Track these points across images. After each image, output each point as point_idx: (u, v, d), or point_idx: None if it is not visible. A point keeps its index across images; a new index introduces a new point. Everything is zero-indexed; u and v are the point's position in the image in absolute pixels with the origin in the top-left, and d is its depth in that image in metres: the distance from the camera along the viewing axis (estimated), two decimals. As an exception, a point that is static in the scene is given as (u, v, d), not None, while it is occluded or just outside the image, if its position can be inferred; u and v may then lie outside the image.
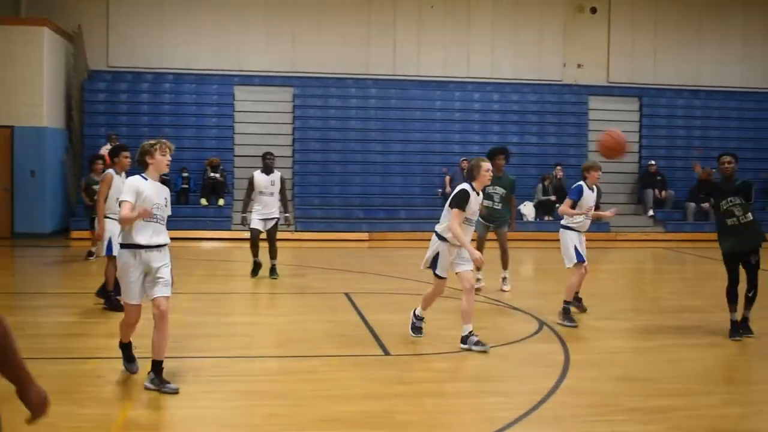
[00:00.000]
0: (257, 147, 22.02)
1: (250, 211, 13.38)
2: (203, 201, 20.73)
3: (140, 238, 6.67)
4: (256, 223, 13.19)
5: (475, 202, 8.31)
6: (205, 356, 8.04)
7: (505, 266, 12.50)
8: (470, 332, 8.31)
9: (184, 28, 22.81)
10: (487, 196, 12.10)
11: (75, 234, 19.13)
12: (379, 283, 13.30)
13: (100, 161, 14.84)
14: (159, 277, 6.70)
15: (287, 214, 13.57)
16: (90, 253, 15.37)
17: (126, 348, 7.16)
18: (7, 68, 18.99)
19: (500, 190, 12.24)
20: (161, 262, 6.75)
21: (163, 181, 7.31)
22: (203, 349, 8.31)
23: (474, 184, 8.31)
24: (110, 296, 10.30)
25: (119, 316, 8.17)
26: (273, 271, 13.32)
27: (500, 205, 12.27)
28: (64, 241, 18.86)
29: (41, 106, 19.39)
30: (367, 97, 23.34)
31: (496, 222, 12.36)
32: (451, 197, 8.39)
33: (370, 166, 22.28)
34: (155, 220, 6.72)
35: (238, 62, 23.02)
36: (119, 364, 7.25)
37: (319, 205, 21.42)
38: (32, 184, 19.25)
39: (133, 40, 22.56)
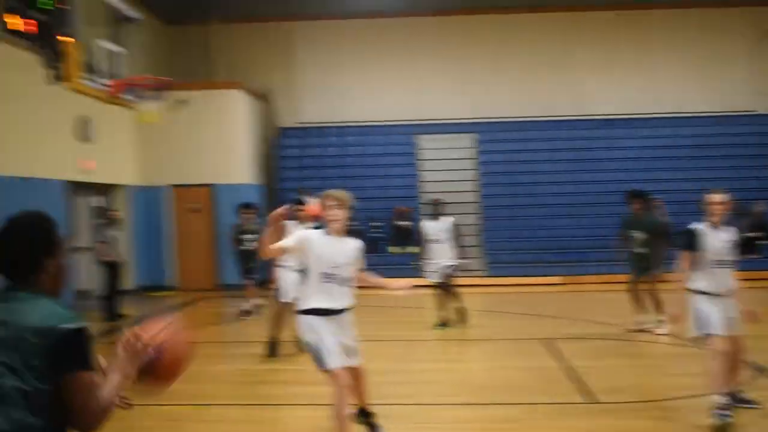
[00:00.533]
0: (443, 194, 22.09)
1: (425, 260, 13.14)
2: (392, 249, 20.86)
3: (317, 302, 6.12)
4: (431, 274, 13.01)
5: (714, 239, 7.07)
6: (402, 403, 7.92)
7: (657, 310, 11.63)
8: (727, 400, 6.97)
9: (368, 83, 23.41)
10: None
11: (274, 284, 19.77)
12: (576, 327, 12.79)
13: (244, 209, 15.15)
14: (347, 346, 6.20)
15: (463, 260, 13.23)
16: (246, 312, 14.75)
17: (366, 415, 6.73)
18: (206, 130, 19.98)
19: (640, 234, 11.83)
20: (343, 329, 6.19)
21: (358, 233, 6.87)
22: (400, 395, 8.20)
23: (708, 220, 7.19)
24: (272, 342, 10.57)
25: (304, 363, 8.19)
26: (460, 314, 13.06)
27: (643, 249, 11.75)
28: (264, 291, 19.44)
29: (238, 164, 20.26)
30: (553, 138, 22.93)
31: (639, 267, 11.81)
32: None
33: (559, 208, 21.73)
34: (332, 281, 6.12)
35: (421, 112, 23.29)
36: (306, 411, 7.22)
37: (508, 250, 21.06)
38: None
39: (320, 96, 23.40)
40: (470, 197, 22.07)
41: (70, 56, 10.14)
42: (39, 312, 2.88)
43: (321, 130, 23.42)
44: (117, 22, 12.50)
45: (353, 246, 6.34)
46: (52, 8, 10.50)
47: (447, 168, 22.71)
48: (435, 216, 13.09)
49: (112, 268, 15.01)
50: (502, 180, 22.30)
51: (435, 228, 12.99)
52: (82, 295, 17.23)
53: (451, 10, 23.04)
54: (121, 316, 15.03)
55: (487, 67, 23.27)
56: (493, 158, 22.76)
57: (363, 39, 23.47)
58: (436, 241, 12.88)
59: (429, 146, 23.09)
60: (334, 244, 6.20)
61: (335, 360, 6.02)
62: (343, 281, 6.17)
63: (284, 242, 6.24)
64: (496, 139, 22.97)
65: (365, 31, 23.44)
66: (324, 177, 22.33)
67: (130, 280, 18.65)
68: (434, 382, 8.99)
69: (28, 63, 13.84)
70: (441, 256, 12.94)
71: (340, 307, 6.17)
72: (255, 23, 23.28)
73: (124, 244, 18.33)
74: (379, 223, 21.15)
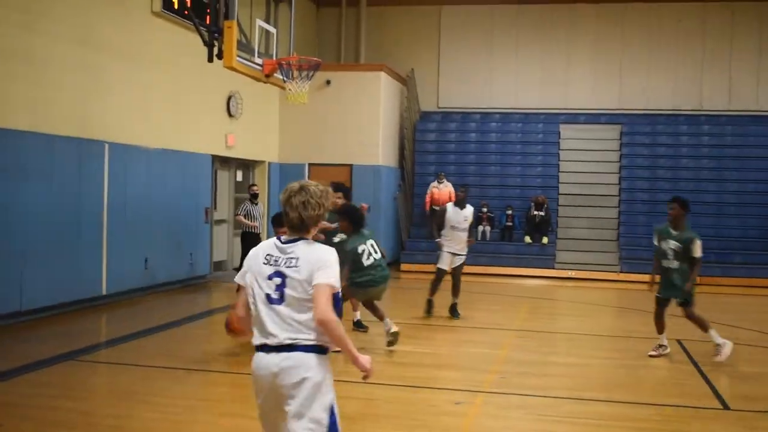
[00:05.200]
0: (582, 186, 21.93)
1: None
2: (527, 239, 20.86)
3: None
4: (444, 260, 12.73)
5: None
6: (532, 394, 8.04)
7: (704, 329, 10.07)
8: None
9: (513, 70, 23.41)
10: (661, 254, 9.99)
11: (405, 267, 20.21)
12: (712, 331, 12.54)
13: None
14: None
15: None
16: (359, 324, 11.38)
17: None
18: (348, 111, 20.44)
19: (674, 245, 9.79)
20: None
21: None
22: (530, 386, 8.32)
23: None
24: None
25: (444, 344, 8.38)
26: (453, 310, 12.69)
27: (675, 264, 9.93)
28: (394, 273, 19.84)
29: (377, 146, 20.64)
30: (700, 134, 22.34)
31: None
32: None
33: (701, 206, 21.15)
34: None
35: (564, 101, 23.15)
36: (452, 396, 7.46)
37: (645, 246, 20.67)
38: (367, 220, 20.40)
39: (462, 81, 23.56)
40: (610, 190, 21.83)
41: (228, 35, 10.64)
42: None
43: (463, 116, 23.58)
44: (271, 2, 13.00)
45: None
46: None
47: (589, 159, 22.47)
48: (460, 203, 12.82)
49: (250, 240, 15.56)
50: (643, 174, 21.91)
51: (459, 215, 12.74)
52: (218, 265, 18.06)
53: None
54: None
55: (638, 57, 22.83)
56: (637, 151, 22.37)
57: (510, 25, 23.44)
58: (460, 229, 12.67)
59: (572, 136, 22.90)
60: None
61: None
62: None
63: None
64: (642, 132, 22.56)
65: (513, 17, 23.40)
66: (463, 162, 22.57)
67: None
68: (567, 376, 9.03)
69: (187, 41, 14.65)
70: (459, 244, 12.73)
71: None
72: (403, 6, 23.64)
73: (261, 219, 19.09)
74: (511, 212, 21.10)
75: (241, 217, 15.53)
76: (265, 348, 4.02)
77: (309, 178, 20.54)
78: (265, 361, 4.00)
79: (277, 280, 4.05)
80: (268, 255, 4.14)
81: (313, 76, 12.21)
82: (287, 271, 4.04)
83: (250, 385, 4.04)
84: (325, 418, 3.99)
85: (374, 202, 20.40)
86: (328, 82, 20.16)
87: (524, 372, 8.99)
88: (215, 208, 17.61)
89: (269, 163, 20.19)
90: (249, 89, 17.38)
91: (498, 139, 23.16)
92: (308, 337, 3.99)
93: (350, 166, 20.59)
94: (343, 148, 20.55)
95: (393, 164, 21.94)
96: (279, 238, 4.17)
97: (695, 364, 9.65)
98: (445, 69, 23.72)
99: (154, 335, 10.90)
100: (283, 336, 3.98)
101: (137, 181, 14.09)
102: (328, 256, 4.07)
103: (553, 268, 19.97)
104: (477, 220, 20.90)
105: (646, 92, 22.83)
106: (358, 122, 20.51)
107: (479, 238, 20.45)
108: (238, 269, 15.88)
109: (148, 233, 14.45)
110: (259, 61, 12.00)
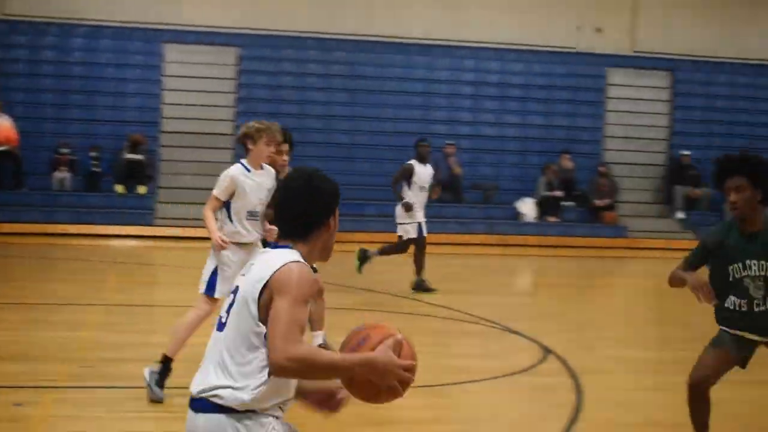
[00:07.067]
0: (190, 121, 21.93)
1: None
2: (119, 188, 20.45)
3: None
4: (413, 228, 13.07)
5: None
6: (125, 386, 7.94)
7: None
8: None
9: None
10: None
11: None
12: (332, 296, 13.24)
13: None
14: None
15: None
16: None
17: None
18: None
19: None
20: None
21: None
22: (122, 376, 8.20)
23: None
24: None
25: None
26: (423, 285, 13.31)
27: None
28: None
29: None
30: (332, 62, 23.25)
31: None
32: None
33: (332, 148, 22.13)
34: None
35: (170, 14, 22.82)
36: (12, 396, 7.16)
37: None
38: None
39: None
40: (224, 128, 22.07)
41: None
42: None
43: (35, 27, 22.48)
44: None
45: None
46: None
47: (200, 89, 22.49)
48: (422, 159, 13.26)
49: None
50: (265, 108, 22.26)
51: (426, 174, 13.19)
52: None
53: None
54: None
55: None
56: (258, 80, 22.83)
57: None
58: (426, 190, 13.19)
59: (179, 59, 22.78)
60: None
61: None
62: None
63: None
64: (264, 57, 23.01)
65: None
66: (36, 89, 21.59)
67: None
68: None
69: None
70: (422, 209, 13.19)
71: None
72: None
73: None
74: (97, 154, 20.52)
75: None
76: None
77: None
78: None
79: None
80: None
81: None
82: None
83: None
84: None
85: None
86: None
87: (115, 358, 8.83)
88: None
89: None
90: None
91: (83, 59, 22.43)
92: None
93: None
94: None
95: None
96: None
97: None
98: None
99: None
100: None
101: None
102: None
103: (153, 225, 19.85)
104: (53, 164, 19.99)
105: (269, 8, 23.17)
106: None
107: (57, 187, 19.56)
108: None
109: None
110: None
